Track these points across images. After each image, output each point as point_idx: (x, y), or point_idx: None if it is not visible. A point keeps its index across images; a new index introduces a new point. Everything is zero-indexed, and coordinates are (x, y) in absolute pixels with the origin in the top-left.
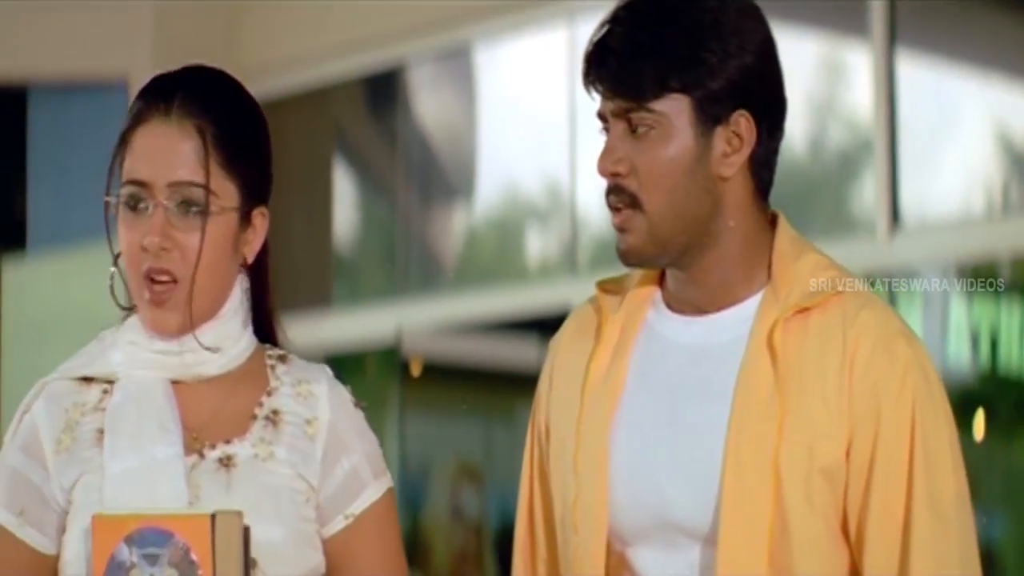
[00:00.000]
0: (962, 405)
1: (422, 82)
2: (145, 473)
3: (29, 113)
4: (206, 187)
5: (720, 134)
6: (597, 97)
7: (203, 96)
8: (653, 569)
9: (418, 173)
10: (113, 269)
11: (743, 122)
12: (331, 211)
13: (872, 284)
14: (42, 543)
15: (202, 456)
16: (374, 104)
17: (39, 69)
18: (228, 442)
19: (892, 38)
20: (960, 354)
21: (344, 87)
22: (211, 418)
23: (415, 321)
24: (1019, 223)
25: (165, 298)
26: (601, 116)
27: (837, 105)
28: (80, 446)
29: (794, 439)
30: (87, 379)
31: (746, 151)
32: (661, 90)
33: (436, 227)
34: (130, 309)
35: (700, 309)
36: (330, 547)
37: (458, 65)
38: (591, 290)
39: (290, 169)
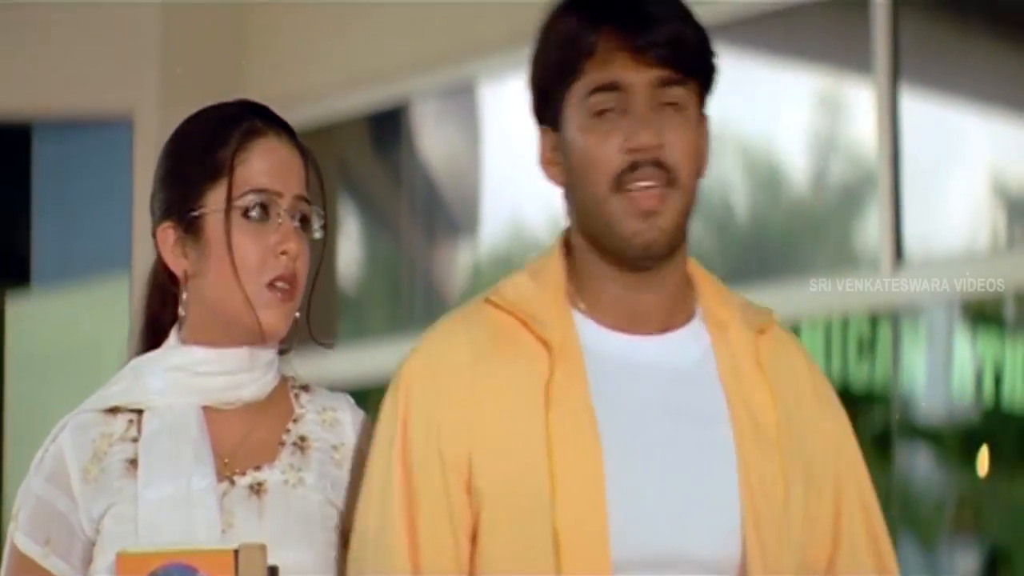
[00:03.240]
0: (966, 441)
1: (427, 118)
2: (181, 502)
3: (33, 149)
4: (324, 211)
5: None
6: (616, 58)
7: (292, 130)
8: None
9: (423, 209)
10: (146, 295)
11: (707, 123)
12: (335, 247)
13: (876, 320)
14: (67, 573)
15: (232, 483)
16: (378, 140)
17: (44, 105)
18: (258, 469)
19: (895, 73)
20: (964, 390)
21: (348, 123)
22: (240, 445)
23: None
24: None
25: (287, 298)
26: (610, 86)
27: (839, 140)
28: (109, 476)
29: (793, 457)
30: (112, 410)
31: (708, 151)
32: (700, 69)
33: (441, 263)
34: (172, 323)
35: (646, 328)
36: None
37: (463, 101)
38: None
39: None
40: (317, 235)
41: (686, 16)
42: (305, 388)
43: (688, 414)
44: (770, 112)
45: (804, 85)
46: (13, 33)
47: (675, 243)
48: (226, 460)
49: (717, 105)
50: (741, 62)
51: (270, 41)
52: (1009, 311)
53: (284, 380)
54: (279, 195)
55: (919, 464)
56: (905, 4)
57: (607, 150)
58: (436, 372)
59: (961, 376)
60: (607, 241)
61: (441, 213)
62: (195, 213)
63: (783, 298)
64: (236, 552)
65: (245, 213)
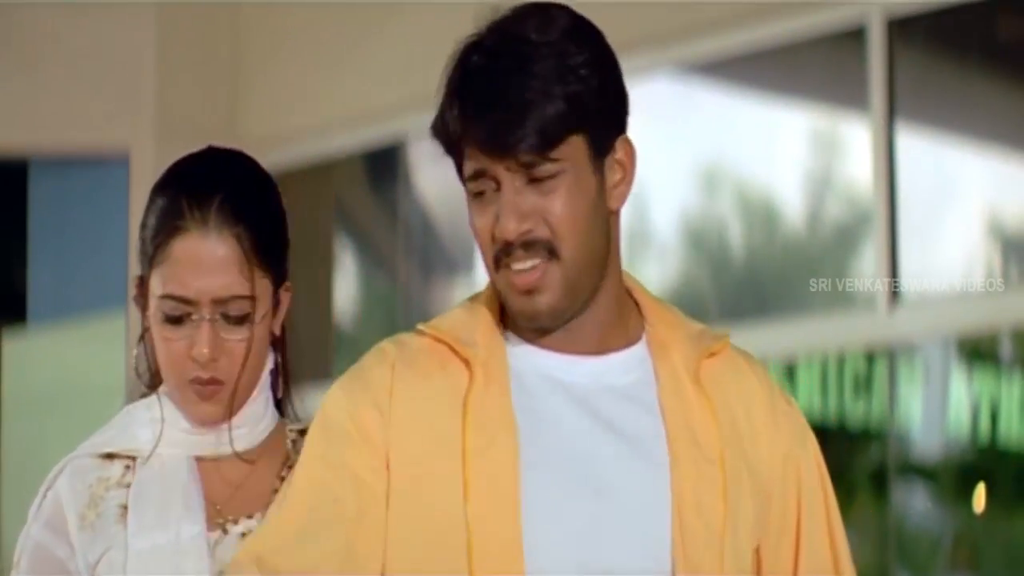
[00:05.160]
0: (962, 478)
1: (423, 156)
2: (170, 551)
3: (29, 186)
4: (252, 297)
5: (609, 164)
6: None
7: (238, 198)
8: None
9: (419, 247)
10: (136, 350)
11: (625, 147)
12: (332, 285)
13: (872, 358)
14: None
15: (225, 531)
16: (375, 179)
17: (40, 142)
18: (251, 517)
19: (891, 110)
20: (960, 427)
21: (345, 161)
22: (233, 493)
23: None
24: (1019, 296)
25: (211, 395)
26: (480, 173)
27: (835, 178)
28: (105, 522)
29: (741, 474)
30: (110, 455)
31: (631, 177)
32: (565, 135)
33: (437, 301)
34: (150, 391)
35: (580, 349)
36: None
37: None
38: None
39: (291, 243)
40: (239, 329)
41: (553, 79)
42: (302, 433)
43: (619, 431)
44: (765, 150)
45: (800, 123)
46: (10, 70)
47: (570, 309)
48: (218, 508)
49: (713, 143)
50: (736, 100)
51: (266, 79)
52: (1005, 349)
53: (281, 424)
54: (192, 303)
55: (915, 501)
56: (901, 41)
57: (483, 233)
58: (359, 381)
59: (957, 413)
60: (505, 306)
61: (437, 250)
62: (141, 289)
63: (779, 336)
64: None
65: (164, 316)
